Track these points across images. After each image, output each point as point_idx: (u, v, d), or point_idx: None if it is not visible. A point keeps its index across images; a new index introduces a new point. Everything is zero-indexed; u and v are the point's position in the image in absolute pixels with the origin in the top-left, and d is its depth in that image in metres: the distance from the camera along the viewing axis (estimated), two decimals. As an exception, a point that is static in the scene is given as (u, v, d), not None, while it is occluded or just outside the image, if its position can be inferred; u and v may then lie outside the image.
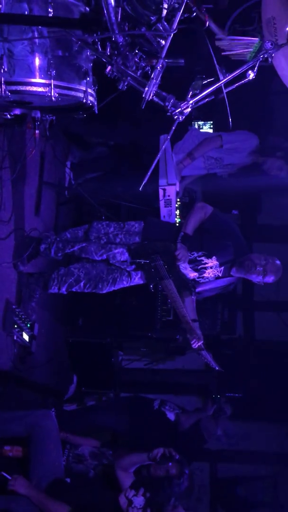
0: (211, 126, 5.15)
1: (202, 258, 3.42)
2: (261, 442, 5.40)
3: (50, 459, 2.96)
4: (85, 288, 3.57)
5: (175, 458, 2.94)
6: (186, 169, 4.32)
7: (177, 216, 4.84)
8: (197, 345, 3.27)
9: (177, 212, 4.83)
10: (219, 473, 5.55)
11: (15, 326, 3.45)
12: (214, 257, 3.41)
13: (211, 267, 3.43)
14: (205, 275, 3.45)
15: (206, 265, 3.43)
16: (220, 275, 3.47)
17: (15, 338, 3.47)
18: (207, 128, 5.20)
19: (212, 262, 3.42)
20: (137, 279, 3.56)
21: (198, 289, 3.53)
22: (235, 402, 5.15)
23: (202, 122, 5.02)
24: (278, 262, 3.36)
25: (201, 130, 4.99)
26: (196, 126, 4.97)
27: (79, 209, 4.86)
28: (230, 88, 2.51)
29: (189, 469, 3.10)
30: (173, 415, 4.05)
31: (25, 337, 3.62)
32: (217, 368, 3.39)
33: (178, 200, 4.70)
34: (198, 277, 3.48)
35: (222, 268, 3.44)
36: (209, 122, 5.01)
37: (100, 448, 3.30)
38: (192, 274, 3.44)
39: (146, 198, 4.34)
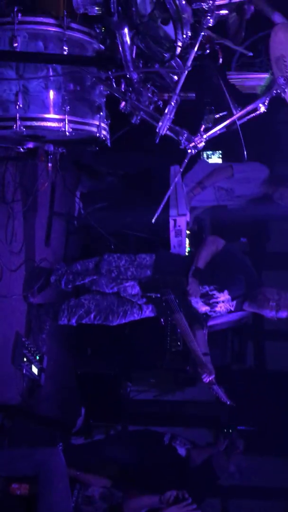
0: (220, 156, 5.18)
1: (214, 292, 3.39)
2: (273, 477, 5.25)
3: (58, 498, 2.88)
4: (95, 320, 3.54)
5: (188, 500, 2.85)
6: (196, 200, 4.31)
7: (187, 246, 4.83)
8: (208, 380, 3.22)
9: (187, 241, 4.83)
10: (231, 510, 5.40)
11: (25, 359, 3.40)
12: (226, 291, 3.38)
13: (223, 301, 3.39)
14: (217, 309, 3.42)
15: (218, 299, 3.40)
16: (233, 309, 3.43)
17: (24, 371, 3.42)
18: (216, 158, 5.23)
19: (224, 296, 3.39)
20: (148, 312, 3.52)
21: (210, 323, 3.49)
22: (247, 436, 5.05)
23: (211, 152, 5.05)
24: None
25: (210, 160, 5.02)
26: (205, 156, 5.00)
27: (89, 238, 4.86)
28: (242, 121, 2.52)
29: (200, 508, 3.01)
30: (184, 450, 3.95)
31: (34, 370, 3.57)
32: (228, 402, 3.32)
33: (187, 230, 4.69)
34: (210, 311, 3.44)
35: (234, 302, 3.41)
36: (218, 152, 5.04)
37: (110, 488, 3.20)
38: (204, 308, 3.40)
39: (155, 228, 4.34)
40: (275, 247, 5.76)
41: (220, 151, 4.96)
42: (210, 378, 3.25)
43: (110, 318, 3.52)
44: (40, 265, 3.71)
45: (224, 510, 5.41)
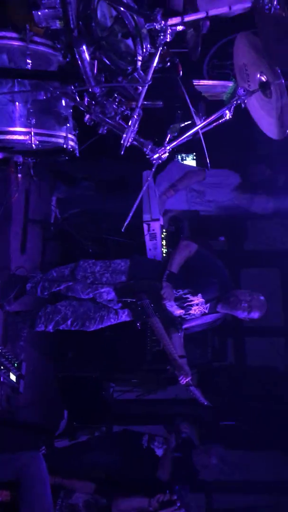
0: (194, 158, 5.24)
1: (188, 295, 3.44)
2: (257, 471, 5.34)
3: (40, 503, 2.91)
4: (72, 326, 3.58)
5: (176, 505, 2.91)
6: (169, 202, 4.37)
7: (164, 247, 4.88)
8: (184, 381, 3.28)
9: (164, 242, 4.87)
10: (215, 504, 5.48)
11: (1, 367, 3.42)
12: (199, 294, 3.44)
13: (197, 304, 3.45)
14: (191, 312, 3.47)
15: (192, 302, 3.46)
16: (207, 311, 3.49)
17: (1, 379, 3.44)
18: (190, 160, 5.29)
19: (197, 299, 3.45)
20: (124, 317, 3.57)
21: (185, 326, 3.54)
22: (230, 431, 5.13)
23: (185, 154, 5.11)
24: (262, 298, 3.40)
25: (184, 162, 5.07)
26: (179, 158, 5.05)
27: (66, 244, 4.89)
28: (208, 128, 2.57)
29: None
30: (162, 451, 4.02)
31: (12, 377, 3.59)
32: (205, 403, 3.38)
33: (164, 230, 4.74)
34: (185, 314, 3.50)
35: (208, 305, 3.47)
36: (191, 154, 5.10)
37: (94, 495, 3.24)
38: (179, 312, 3.46)
39: (131, 232, 4.38)
40: (252, 245, 5.84)
41: (194, 154, 5.03)
42: (187, 380, 3.31)
43: (87, 324, 3.56)
44: (15, 273, 3.72)
45: (209, 504, 5.49)
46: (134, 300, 3.39)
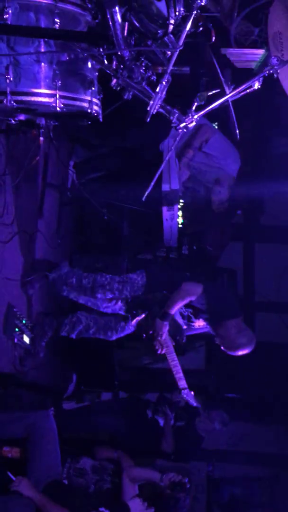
0: (216, 126, 5.13)
1: (191, 316, 3.57)
2: (259, 443, 5.44)
3: (48, 460, 2.99)
4: (94, 335, 3.77)
5: (186, 487, 2.99)
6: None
7: (180, 217, 4.85)
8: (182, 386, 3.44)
9: (180, 213, 4.84)
10: (216, 473, 5.60)
11: (16, 329, 3.47)
12: (201, 319, 3.55)
13: (199, 325, 3.58)
14: (195, 325, 3.62)
15: (195, 322, 3.58)
16: (209, 330, 3.59)
17: (15, 341, 3.50)
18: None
19: (199, 322, 3.57)
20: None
21: (189, 333, 3.65)
22: (235, 403, 5.20)
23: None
24: (241, 341, 3.42)
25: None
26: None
27: (82, 210, 4.87)
28: (234, 98, 2.50)
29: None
30: (163, 421, 4.11)
31: (26, 339, 3.65)
32: (195, 404, 3.52)
33: (181, 201, 4.69)
34: (189, 327, 3.64)
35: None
36: (215, 123, 4.99)
37: (101, 461, 3.32)
38: (184, 326, 3.60)
39: (149, 201, 4.34)
40: (269, 220, 5.78)
41: (216, 123, 4.92)
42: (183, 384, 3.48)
43: (109, 334, 3.76)
44: (41, 259, 3.86)
45: (210, 473, 5.62)
46: (146, 312, 3.53)
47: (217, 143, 4.13)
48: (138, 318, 3.61)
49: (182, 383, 3.41)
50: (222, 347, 3.46)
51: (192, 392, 3.48)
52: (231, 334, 3.38)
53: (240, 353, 3.45)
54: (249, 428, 5.42)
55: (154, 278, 3.62)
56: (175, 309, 3.43)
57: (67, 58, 2.40)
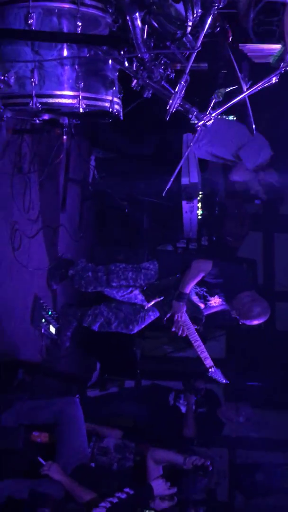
0: (234, 118, 5.17)
1: (206, 294, 3.62)
2: (280, 430, 5.52)
3: (76, 444, 3.10)
4: (116, 329, 3.87)
5: (208, 469, 3.08)
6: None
7: (199, 209, 4.92)
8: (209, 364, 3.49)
9: (199, 204, 4.91)
10: (238, 459, 5.71)
11: (43, 320, 3.61)
12: (216, 296, 3.61)
13: (215, 302, 3.63)
14: (211, 303, 3.66)
15: (211, 299, 3.64)
16: (224, 306, 3.65)
17: (42, 331, 3.64)
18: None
19: (215, 299, 3.62)
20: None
21: (207, 313, 3.70)
22: (255, 391, 5.28)
23: (225, 116, 5.04)
24: (258, 308, 3.47)
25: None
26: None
27: (103, 204, 4.97)
28: (251, 92, 2.55)
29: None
30: (184, 408, 4.21)
31: (52, 330, 3.79)
32: (223, 381, 3.55)
33: (200, 193, 4.76)
34: (205, 306, 3.70)
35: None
36: (232, 115, 5.03)
37: (124, 440, 3.45)
38: (201, 305, 3.66)
39: (168, 194, 4.42)
40: (288, 210, 5.81)
41: (234, 116, 4.96)
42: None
43: (131, 327, 3.86)
44: (63, 257, 3.96)
45: (232, 460, 5.73)
46: (162, 297, 3.57)
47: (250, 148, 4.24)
48: (154, 300, 3.65)
49: (208, 362, 3.46)
50: (238, 318, 3.52)
51: (220, 370, 3.55)
52: (245, 304, 3.45)
53: (256, 322, 3.51)
54: (270, 416, 5.50)
55: (166, 264, 3.69)
56: (189, 288, 3.50)
57: (89, 59, 2.48)
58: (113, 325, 3.88)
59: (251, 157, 4.32)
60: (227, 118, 4.88)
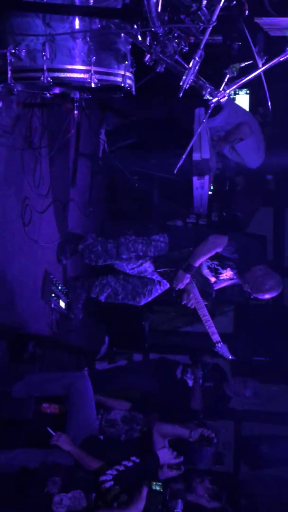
0: (247, 92, 5.07)
1: (218, 267, 3.59)
2: (285, 404, 5.60)
3: (85, 416, 3.17)
4: (123, 301, 3.87)
5: (213, 441, 3.13)
6: None
7: (211, 185, 4.87)
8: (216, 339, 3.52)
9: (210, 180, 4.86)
10: (243, 432, 5.81)
11: (53, 295, 3.65)
12: (228, 268, 3.59)
13: (226, 275, 3.61)
14: (222, 277, 3.65)
15: (222, 272, 3.62)
16: (235, 279, 3.63)
17: (52, 305, 3.68)
18: (243, 94, 5.13)
19: (226, 272, 3.60)
20: (167, 285, 3.77)
21: (217, 287, 3.70)
22: (262, 366, 5.33)
23: (238, 89, 4.95)
24: (270, 283, 3.45)
25: (237, 96, 4.93)
26: (232, 92, 4.90)
27: (113, 178, 4.94)
28: (267, 67, 2.50)
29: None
30: (191, 381, 4.26)
31: (62, 304, 3.83)
32: (230, 357, 3.58)
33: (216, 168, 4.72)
34: (216, 280, 3.68)
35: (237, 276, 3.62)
36: (244, 89, 4.94)
37: (130, 411, 3.51)
38: (212, 279, 3.63)
39: (179, 169, 4.38)
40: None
41: (247, 89, 4.87)
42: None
43: (137, 300, 3.85)
44: (72, 232, 3.94)
45: (237, 432, 5.83)
46: (173, 269, 3.54)
47: (249, 145, 4.17)
48: (164, 270, 3.65)
49: (216, 336, 3.48)
50: (250, 292, 3.51)
51: (226, 345, 3.58)
52: (258, 277, 3.44)
53: (268, 296, 3.51)
54: (276, 390, 5.57)
55: (177, 237, 3.68)
56: (199, 261, 3.49)
57: (101, 32, 2.42)
58: (120, 296, 3.88)
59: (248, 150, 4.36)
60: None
